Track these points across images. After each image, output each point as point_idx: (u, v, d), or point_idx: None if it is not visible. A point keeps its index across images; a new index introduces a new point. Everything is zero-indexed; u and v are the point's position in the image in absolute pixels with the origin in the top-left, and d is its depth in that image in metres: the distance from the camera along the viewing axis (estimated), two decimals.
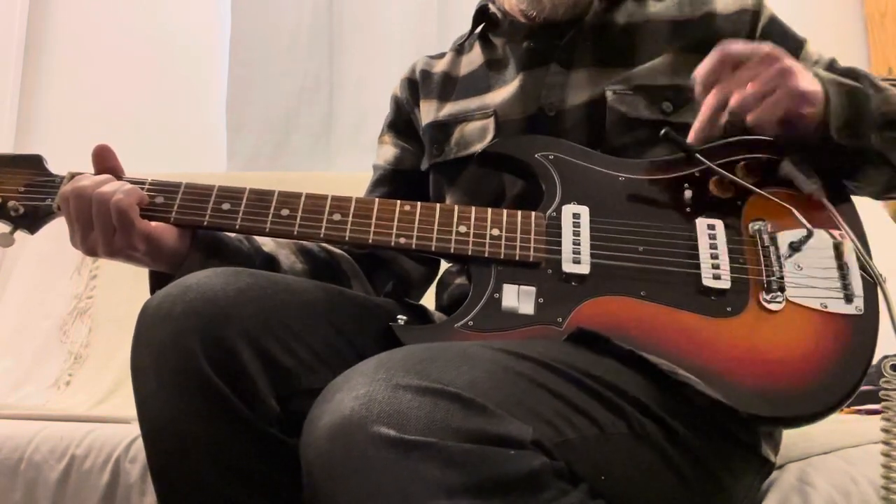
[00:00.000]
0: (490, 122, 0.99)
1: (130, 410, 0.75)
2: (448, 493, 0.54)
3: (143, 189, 0.87)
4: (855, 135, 0.84)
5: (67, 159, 0.93)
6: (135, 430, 1.14)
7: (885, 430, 0.71)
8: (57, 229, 0.97)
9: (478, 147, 0.99)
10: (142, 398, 0.73)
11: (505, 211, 0.85)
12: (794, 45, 0.98)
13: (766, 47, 0.83)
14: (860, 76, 0.90)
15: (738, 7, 0.98)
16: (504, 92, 1.01)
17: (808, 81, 0.82)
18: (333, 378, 0.63)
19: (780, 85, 0.81)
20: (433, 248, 0.84)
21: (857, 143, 0.84)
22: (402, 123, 1.14)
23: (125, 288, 1.90)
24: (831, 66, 0.97)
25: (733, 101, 0.82)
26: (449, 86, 1.09)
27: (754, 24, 0.97)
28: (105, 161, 0.90)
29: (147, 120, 2.33)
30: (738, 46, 0.83)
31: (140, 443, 1.10)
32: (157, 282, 0.92)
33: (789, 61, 0.82)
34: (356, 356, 0.78)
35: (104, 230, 0.84)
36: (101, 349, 1.87)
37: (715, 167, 0.85)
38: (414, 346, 0.66)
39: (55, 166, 0.93)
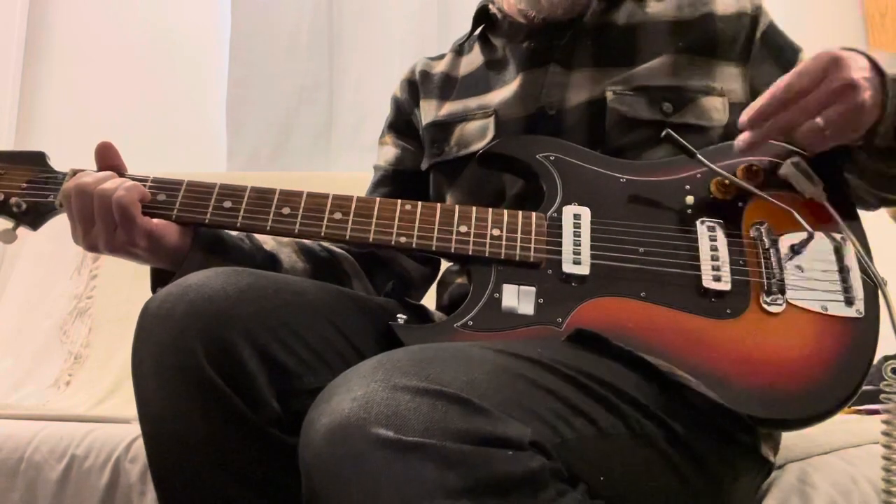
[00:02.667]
0: (490, 122, 0.99)
1: (130, 410, 0.75)
2: (446, 495, 0.54)
3: (145, 186, 0.87)
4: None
5: (67, 160, 0.93)
6: (135, 430, 1.14)
7: (886, 434, 0.71)
8: (57, 230, 0.97)
9: (478, 146, 0.99)
10: (142, 398, 0.73)
11: (506, 211, 0.85)
12: (791, 54, 0.98)
13: (825, 60, 0.77)
14: None
15: (737, 10, 0.98)
16: (504, 92, 1.01)
17: (870, 96, 0.77)
18: (333, 378, 0.63)
19: (847, 110, 0.77)
20: (433, 248, 0.84)
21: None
22: (402, 124, 1.14)
23: (125, 288, 1.90)
24: None
25: (800, 136, 0.80)
26: (449, 86, 1.09)
27: (753, 29, 0.97)
28: (108, 158, 0.90)
29: (147, 120, 2.33)
30: (802, 76, 0.78)
31: (140, 443, 1.11)
32: (158, 279, 0.92)
33: (854, 74, 0.76)
34: (356, 356, 0.78)
35: (106, 226, 0.84)
36: (101, 349, 1.87)
37: (716, 168, 0.85)
38: (413, 347, 0.66)
39: (54, 167, 0.93)
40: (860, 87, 0.77)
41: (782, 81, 0.79)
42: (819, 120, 0.77)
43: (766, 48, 0.97)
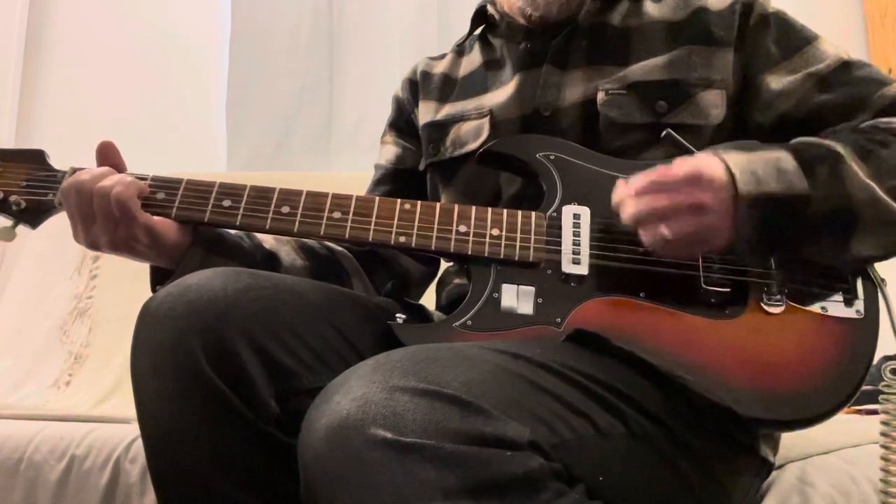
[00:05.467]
0: (485, 122, 0.99)
1: (130, 410, 0.75)
2: (445, 495, 0.54)
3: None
4: (772, 248, 0.79)
5: (66, 160, 0.93)
6: (135, 430, 1.14)
7: (884, 434, 0.71)
8: (57, 229, 0.97)
9: (473, 146, 0.99)
10: (141, 399, 0.73)
11: (505, 211, 0.85)
12: (796, 44, 0.93)
13: (686, 172, 0.75)
14: (829, 156, 0.79)
15: (730, 1, 0.95)
16: (501, 93, 1.01)
17: (718, 220, 0.75)
18: (333, 378, 0.63)
19: (691, 229, 0.75)
20: (433, 247, 0.84)
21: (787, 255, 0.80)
22: (403, 123, 1.14)
23: (125, 288, 1.90)
24: (842, 67, 0.90)
25: (645, 239, 0.78)
26: (448, 87, 1.09)
27: (745, 18, 0.94)
28: (108, 158, 0.90)
29: (147, 120, 2.33)
30: (662, 183, 0.75)
31: (140, 443, 1.10)
32: (157, 277, 0.92)
33: (705, 196, 0.74)
34: (356, 356, 0.78)
35: (106, 223, 0.84)
36: (101, 349, 1.87)
37: None
38: (411, 348, 0.66)
39: (54, 167, 0.93)
40: (708, 211, 0.74)
41: (648, 176, 0.76)
42: (664, 229, 0.75)
43: (764, 33, 0.93)
